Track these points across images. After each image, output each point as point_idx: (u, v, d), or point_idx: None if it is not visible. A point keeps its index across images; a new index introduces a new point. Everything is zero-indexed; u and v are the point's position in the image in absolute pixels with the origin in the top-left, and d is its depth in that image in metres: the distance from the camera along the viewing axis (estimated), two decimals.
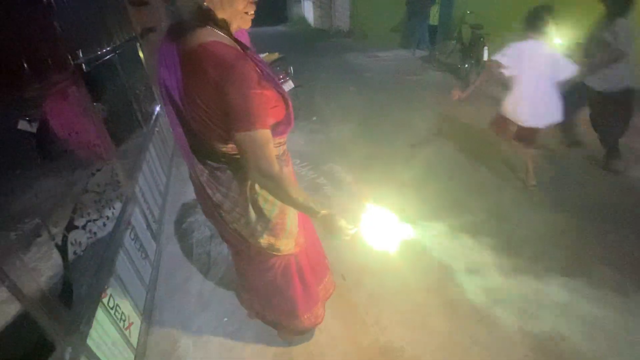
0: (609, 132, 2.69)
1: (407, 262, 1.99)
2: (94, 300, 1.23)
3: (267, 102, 0.89)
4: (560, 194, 2.54)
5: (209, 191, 1.07)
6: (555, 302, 1.73)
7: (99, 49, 1.91)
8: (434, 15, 7.24)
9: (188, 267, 2.10)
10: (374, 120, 4.18)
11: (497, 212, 2.39)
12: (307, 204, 0.96)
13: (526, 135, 2.47)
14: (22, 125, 1.43)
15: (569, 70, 2.21)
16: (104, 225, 1.48)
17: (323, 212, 0.97)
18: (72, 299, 1.13)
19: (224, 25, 0.87)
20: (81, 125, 1.50)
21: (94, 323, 1.20)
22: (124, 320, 1.46)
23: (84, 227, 1.31)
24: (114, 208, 1.64)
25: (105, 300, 1.32)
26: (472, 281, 1.87)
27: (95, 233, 1.38)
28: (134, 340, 1.51)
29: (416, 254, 2.04)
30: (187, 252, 2.22)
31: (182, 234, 2.39)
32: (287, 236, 1.16)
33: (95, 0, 2.15)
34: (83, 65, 1.51)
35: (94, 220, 1.39)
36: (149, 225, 2.08)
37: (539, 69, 2.24)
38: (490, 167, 2.94)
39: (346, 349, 1.57)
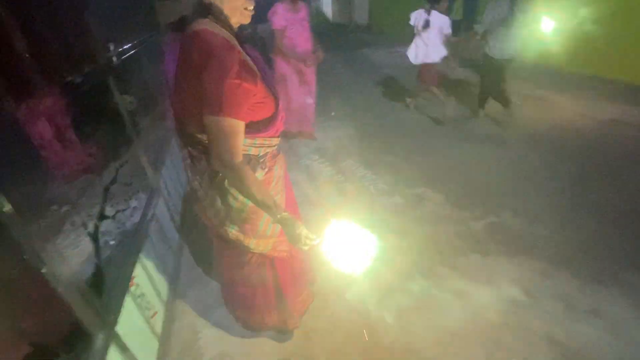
0: (497, 88, 3.52)
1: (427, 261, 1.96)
2: (123, 289, 1.26)
3: (244, 94, 0.90)
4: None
5: (190, 176, 1.13)
6: (585, 307, 1.66)
7: (128, 42, 1.94)
8: (457, 9, 7.03)
9: None
10: (393, 115, 4.12)
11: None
12: (266, 202, 0.98)
13: (429, 70, 3.77)
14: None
15: (447, 26, 3.48)
16: (132, 215, 1.50)
17: (283, 214, 0.99)
18: (103, 287, 1.15)
19: (223, 18, 0.93)
20: (110, 114, 1.53)
21: (122, 311, 1.23)
22: (149, 309, 1.49)
23: (113, 217, 1.34)
24: (139, 199, 1.67)
25: (132, 289, 1.35)
26: (496, 282, 1.82)
27: (124, 223, 1.41)
28: (158, 329, 1.54)
29: (439, 255, 2.01)
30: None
31: (203, 225, 2.42)
32: (258, 236, 1.16)
33: None
34: (114, 58, 1.53)
35: (123, 210, 1.42)
36: (172, 217, 2.12)
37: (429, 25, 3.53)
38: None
39: (366, 346, 1.56)
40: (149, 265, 1.60)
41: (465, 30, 6.78)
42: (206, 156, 1.03)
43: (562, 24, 3.89)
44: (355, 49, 7.82)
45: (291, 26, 2.94)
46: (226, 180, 1.04)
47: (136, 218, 1.56)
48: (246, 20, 0.98)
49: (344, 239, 1.02)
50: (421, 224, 2.28)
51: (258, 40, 4.78)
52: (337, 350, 1.54)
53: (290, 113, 3.19)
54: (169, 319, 1.69)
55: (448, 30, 3.51)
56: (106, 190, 1.32)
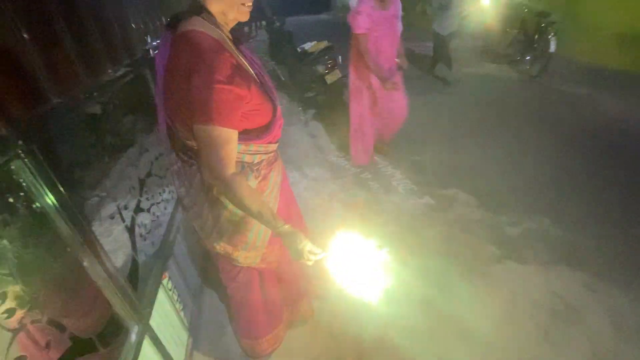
0: (447, 57, 4.70)
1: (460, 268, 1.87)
2: (157, 282, 1.27)
3: (236, 100, 0.83)
4: None
5: (177, 182, 1.06)
6: (635, 325, 1.53)
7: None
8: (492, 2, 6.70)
9: None
10: (420, 112, 3.98)
11: None
12: (264, 215, 0.90)
13: None
14: (93, 109, 1.48)
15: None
16: (165, 208, 1.51)
17: (284, 227, 0.91)
18: (138, 279, 1.16)
19: (217, 17, 0.87)
20: (148, 108, 1.54)
21: (155, 304, 1.24)
22: (180, 302, 1.50)
23: (148, 210, 1.35)
24: (172, 192, 1.68)
25: (164, 281, 1.36)
26: (535, 291, 1.71)
27: (158, 216, 1.42)
28: (187, 322, 1.55)
29: (473, 258, 1.92)
30: None
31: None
32: (247, 249, 1.09)
33: None
34: (150, 50, 1.54)
35: (157, 203, 1.43)
36: None
37: None
38: None
39: (394, 352, 1.51)
40: (180, 258, 1.61)
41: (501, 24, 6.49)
42: (197, 162, 0.97)
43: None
44: None
45: (377, 26, 2.35)
46: (215, 188, 0.98)
47: (169, 210, 1.57)
48: (244, 17, 0.91)
49: (352, 254, 0.92)
50: (452, 227, 2.19)
51: (286, 34, 4.74)
52: (366, 354, 1.50)
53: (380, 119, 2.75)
54: (197, 313, 1.70)
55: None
56: (142, 182, 1.33)
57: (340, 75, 3.98)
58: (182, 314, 1.50)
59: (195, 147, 0.93)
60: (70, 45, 0.99)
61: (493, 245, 2.03)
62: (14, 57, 0.82)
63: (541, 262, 1.89)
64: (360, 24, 2.32)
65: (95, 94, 1.14)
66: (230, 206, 1.00)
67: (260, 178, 1.03)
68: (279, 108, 0.99)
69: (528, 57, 4.80)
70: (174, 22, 0.88)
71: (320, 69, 4.03)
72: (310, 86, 4.21)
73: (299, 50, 4.46)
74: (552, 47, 4.31)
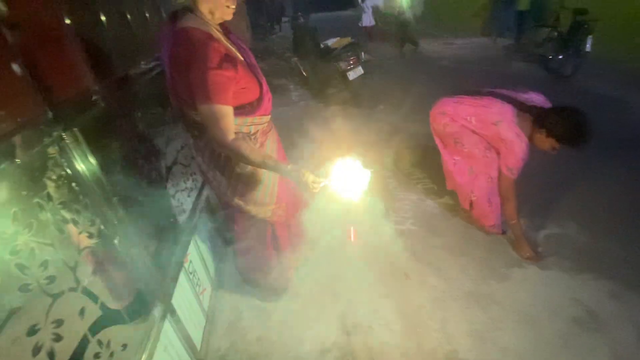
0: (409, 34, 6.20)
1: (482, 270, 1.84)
2: (179, 264, 1.33)
3: (227, 82, 1.01)
4: None
5: (194, 152, 1.27)
6: None
7: None
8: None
9: None
10: None
11: None
12: (268, 163, 1.08)
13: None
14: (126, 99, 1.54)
15: None
16: (188, 196, 1.58)
17: (287, 167, 1.08)
18: (162, 261, 1.22)
19: (206, 14, 1.05)
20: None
21: (177, 285, 1.30)
22: (199, 286, 1.57)
23: (173, 197, 1.41)
24: (195, 180, 1.74)
25: (186, 265, 1.43)
26: (556, 299, 1.66)
27: (182, 202, 1.48)
28: (205, 305, 1.62)
29: (492, 260, 1.88)
30: None
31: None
32: (257, 204, 1.31)
33: None
34: None
35: (181, 190, 1.49)
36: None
37: None
38: None
39: (407, 349, 1.51)
40: (200, 243, 1.68)
41: (533, 25, 6.25)
42: (204, 135, 1.16)
43: None
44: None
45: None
46: (222, 155, 1.19)
47: (192, 198, 1.63)
48: (228, 16, 1.08)
49: (347, 174, 1.12)
50: (471, 228, 2.15)
51: (310, 29, 4.76)
52: (379, 351, 1.51)
53: None
54: (215, 297, 1.77)
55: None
56: (168, 169, 1.39)
57: (362, 72, 3.97)
58: (201, 297, 1.56)
59: (201, 123, 1.10)
60: (109, 40, 1.05)
61: (514, 248, 1.98)
62: (60, 49, 0.89)
63: (564, 269, 1.83)
64: (517, 167, 1.81)
65: (127, 84, 1.21)
66: (237, 169, 1.22)
67: (258, 145, 1.24)
68: (265, 84, 1.17)
69: (561, 56, 4.59)
70: (173, 18, 1.05)
71: (343, 65, 4.02)
72: (332, 82, 4.21)
73: (322, 46, 4.47)
74: (588, 46, 4.11)
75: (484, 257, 1.93)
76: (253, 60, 1.19)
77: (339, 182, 1.11)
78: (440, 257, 1.96)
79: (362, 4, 7.37)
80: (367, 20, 7.54)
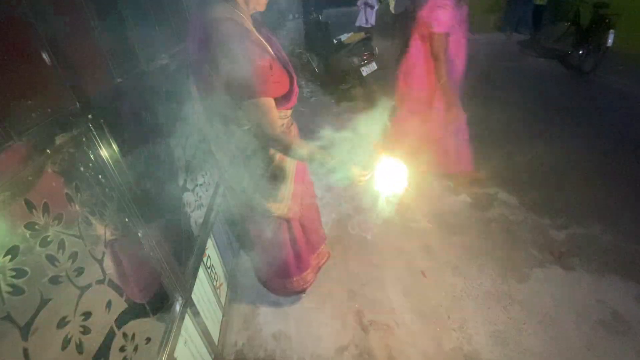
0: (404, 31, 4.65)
1: (503, 269, 1.80)
2: (198, 258, 1.32)
3: (266, 73, 0.96)
4: None
5: (214, 148, 1.24)
6: None
7: None
8: None
9: None
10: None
11: None
12: (315, 156, 1.07)
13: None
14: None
15: None
16: (206, 190, 1.57)
17: (335, 159, 1.08)
18: (183, 255, 1.22)
19: (240, 4, 0.99)
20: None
21: (197, 280, 1.30)
22: (217, 280, 1.57)
23: (193, 190, 1.41)
24: (212, 175, 1.74)
25: (205, 259, 1.42)
26: (580, 301, 1.61)
27: (200, 197, 1.47)
28: (222, 299, 1.61)
29: (512, 260, 1.84)
30: None
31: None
32: (277, 201, 1.28)
33: None
34: None
35: (200, 185, 1.48)
36: None
37: None
38: None
39: (426, 348, 1.49)
40: (218, 238, 1.67)
41: (550, 19, 6.08)
42: (227, 132, 1.12)
43: None
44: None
45: (454, 28, 1.87)
46: (249, 149, 1.14)
47: (209, 193, 1.63)
48: (261, 7, 1.04)
49: (389, 171, 1.18)
50: (490, 227, 2.11)
51: (322, 25, 4.72)
52: (396, 349, 1.49)
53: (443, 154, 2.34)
54: (231, 292, 1.77)
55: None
56: (188, 162, 1.39)
57: (376, 68, 3.92)
58: (218, 292, 1.56)
59: (226, 114, 1.07)
60: (133, 35, 1.05)
61: (535, 248, 1.93)
62: (87, 44, 0.88)
63: (589, 270, 1.77)
64: (442, 21, 1.80)
65: (151, 77, 1.20)
66: (262, 164, 1.18)
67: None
68: (295, 78, 1.12)
69: (581, 52, 4.45)
70: (203, 7, 0.98)
71: (357, 60, 3.97)
72: (345, 78, 4.16)
73: (334, 41, 4.42)
74: (610, 41, 3.97)
75: (503, 255, 1.89)
76: (283, 53, 1.15)
77: (383, 176, 1.15)
78: (458, 255, 1.92)
79: (358, 3, 6.62)
80: (363, 19, 6.55)
